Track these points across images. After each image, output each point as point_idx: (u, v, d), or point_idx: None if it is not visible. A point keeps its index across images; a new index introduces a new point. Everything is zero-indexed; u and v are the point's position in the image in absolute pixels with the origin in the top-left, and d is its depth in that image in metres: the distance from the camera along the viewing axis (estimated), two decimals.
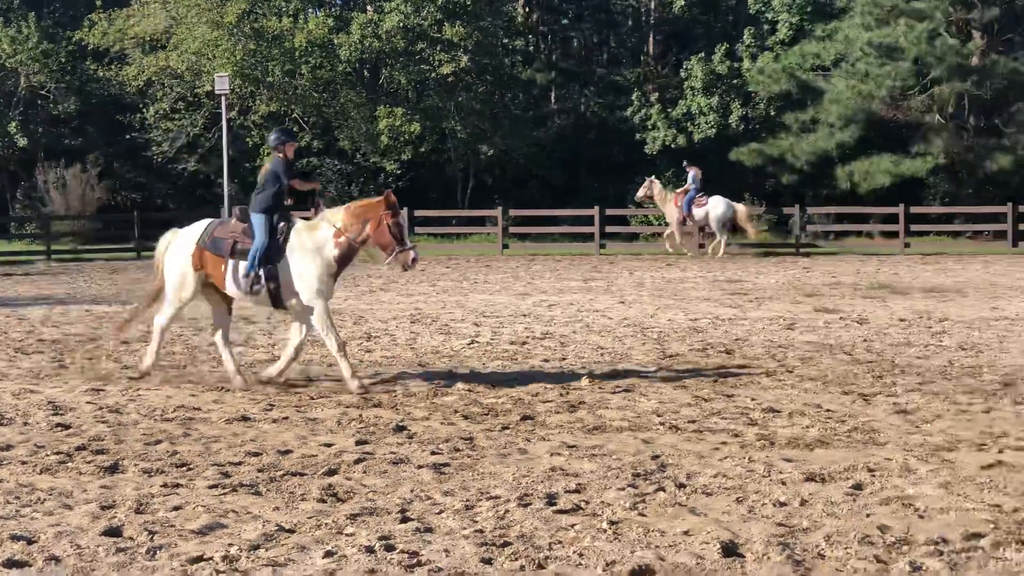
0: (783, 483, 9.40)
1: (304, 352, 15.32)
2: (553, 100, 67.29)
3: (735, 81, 57.94)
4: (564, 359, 16.83)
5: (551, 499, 8.95)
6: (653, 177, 43.76)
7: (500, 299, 26.16)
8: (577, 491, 9.20)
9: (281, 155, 15.05)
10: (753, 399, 13.35)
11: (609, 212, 48.33)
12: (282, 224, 14.68)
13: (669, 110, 58.12)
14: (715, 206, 41.46)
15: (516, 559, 7.46)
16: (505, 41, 63.70)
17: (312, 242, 14.58)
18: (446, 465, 10.20)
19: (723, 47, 58.35)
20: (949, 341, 18.35)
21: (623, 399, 13.43)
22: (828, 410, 12.67)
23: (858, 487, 9.24)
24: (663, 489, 9.21)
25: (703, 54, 58.30)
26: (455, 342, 18.63)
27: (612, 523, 8.25)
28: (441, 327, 20.64)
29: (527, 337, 19.19)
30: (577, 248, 47.48)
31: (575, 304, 24.81)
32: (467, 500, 8.96)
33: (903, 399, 13.30)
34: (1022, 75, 53.48)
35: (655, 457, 10.40)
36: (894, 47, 52.67)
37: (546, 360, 16.66)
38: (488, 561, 7.46)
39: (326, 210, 14.95)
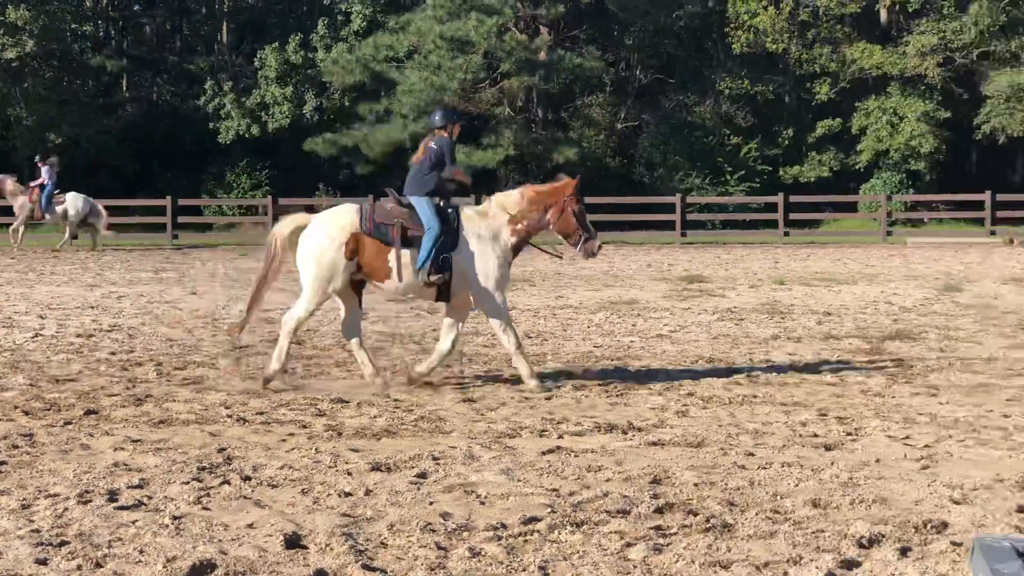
0: (349, 473, 9.41)
1: (458, 347, 14.24)
2: (125, 87, 65.90)
3: (309, 71, 58.03)
4: (132, 351, 16.49)
5: (113, 495, 8.71)
6: (3, 175, 42.93)
7: (67, 291, 25.42)
8: (140, 486, 8.99)
9: (447, 135, 13.89)
10: (322, 389, 13.36)
11: (182, 202, 47.87)
12: (450, 209, 13.56)
13: (243, 99, 57.76)
14: (73, 202, 41.05)
15: (73, 558, 7.23)
16: (74, 26, 62.04)
17: (487, 229, 13.54)
18: (3, 463, 9.79)
19: (297, 37, 58.32)
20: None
21: (191, 392, 13.21)
22: (396, 400, 12.78)
23: (423, 475, 9.34)
24: (228, 482, 9.09)
25: (277, 44, 58.13)
26: (18, 335, 18.00)
27: (175, 518, 8.09)
28: (3, 320, 19.91)
29: (95, 329, 18.71)
30: (149, 238, 46.66)
31: (145, 295, 24.35)
32: (24, 499, 8.63)
33: (470, 387, 13.55)
34: (587, 70, 55.44)
35: (221, 450, 10.26)
36: (466, 40, 53.78)
37: (113, 353, 16.27)
38: (43, 562, 7.20)
39: (496, 195, 13.91)
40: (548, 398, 12.91)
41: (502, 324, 13.61)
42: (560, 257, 14.30)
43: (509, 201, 13.81)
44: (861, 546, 7.48)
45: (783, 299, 23.54)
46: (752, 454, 10.11)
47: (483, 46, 53.73)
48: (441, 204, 13.61)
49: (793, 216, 47.89)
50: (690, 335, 18.21)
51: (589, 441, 10.69)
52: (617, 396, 12.98)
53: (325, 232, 13.47)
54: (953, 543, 7.46)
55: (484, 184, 52.34)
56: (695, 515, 8.13)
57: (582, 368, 14.94)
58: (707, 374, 14.45)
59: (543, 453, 10.15)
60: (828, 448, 10.36)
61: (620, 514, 8.17)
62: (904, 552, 7.35)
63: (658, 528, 7.86)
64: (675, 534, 7.74)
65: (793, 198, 48.36)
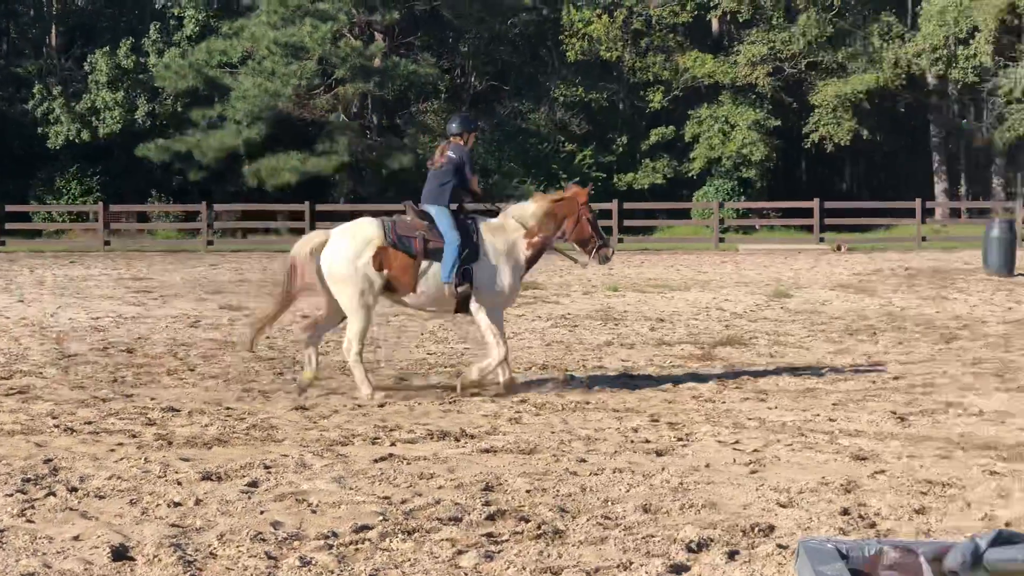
0: (179, 483, 9.29)
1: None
2: None
3: (141, 76, 57.26)
4: None
5: None
6: None
7: None
8: None
9: (463, 143, 13.71)
10: (153, 398, 13.18)
11: (9, 208, 47.02)
12: (469, 221, 13.38)
13: (73, 104, 56.79)
14: None
15: None
16: None
17: (503, 243, 13.44)
18: None
19: (128, 41, 57.51)
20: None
21: (16, 402, 12.93)
22: (228, 408, 12.65)
23: (254, 484, 9.25)
24: (54, 494, 8.91)
25: (108, 48, 57.24)
26: None
27: None
28: None
29: None
30: None
31: None
32: None
33: (303, 395, 13.46)
34: (421, 77, 55.44)
35: (47, 461, 10.05)
36: (300, 46, 53.48)
37: None
38: None
39: (511, 207, 13.78)
40: (382, 405, 12.88)
41: (498, 336, 13.58)
42: (585, 265, 14.43)
43: (525, 213, 13.83)
44: (690, 550, 7.55)
45: (616, 306, 23.75)
46: (584, 460, 10.17)
47: (317, 52, 53.45)
48: (460, 214, 13.61)
49: (627, 223, 48.33)
50: (524, 342, 18.28)
51: (422, 448, 10.68)
52: (450, 403, 12.98)
53: (349, 249, 13.39)
54: (779, 546, 7.57)
55: (318, 192, 52.23)
56: (527, 522, 8.16)
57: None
58: (542, 380, 14.50)
59: (375, 461, 10.12)
60: (659, 454, 10.46)
61: (452, 521, 8.17)
62: (732, 556, 7.44)
63: (490, 535, 7.87)
64: (506, 541, 7.76)
65: (627, 205, 48.87)
